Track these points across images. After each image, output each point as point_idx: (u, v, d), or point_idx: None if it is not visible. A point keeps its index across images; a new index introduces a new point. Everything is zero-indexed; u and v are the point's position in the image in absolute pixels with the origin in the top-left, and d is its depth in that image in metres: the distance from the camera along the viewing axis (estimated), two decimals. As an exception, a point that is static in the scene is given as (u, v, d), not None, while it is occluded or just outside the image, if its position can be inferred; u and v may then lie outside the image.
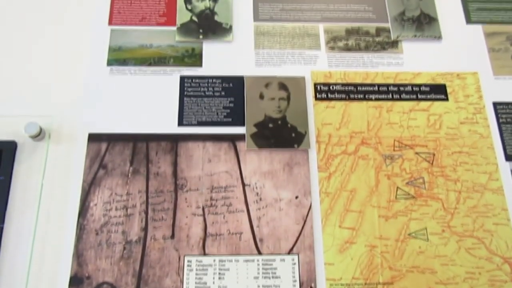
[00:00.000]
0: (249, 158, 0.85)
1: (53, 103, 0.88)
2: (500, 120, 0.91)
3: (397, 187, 0.85)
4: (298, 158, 0.86)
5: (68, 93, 0.89)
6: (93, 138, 0.85)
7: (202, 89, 0.91)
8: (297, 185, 0.84)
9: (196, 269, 0.77)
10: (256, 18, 1.00)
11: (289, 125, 0.88)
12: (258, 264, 0.78)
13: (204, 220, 0.80)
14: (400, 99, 0.92)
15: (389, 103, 0.92)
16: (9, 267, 0.75)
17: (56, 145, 0.84)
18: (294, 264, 0.78)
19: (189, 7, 0.99)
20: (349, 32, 1.00)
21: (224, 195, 0.82)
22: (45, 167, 0.82)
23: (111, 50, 0.94)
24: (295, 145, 0.86)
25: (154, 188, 0.82)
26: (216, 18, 0.98)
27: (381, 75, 0.95)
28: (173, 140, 0.86)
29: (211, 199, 0.82)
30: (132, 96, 0.90)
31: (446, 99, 0.93)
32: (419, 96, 0.93)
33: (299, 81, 0.92)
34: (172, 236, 0.79)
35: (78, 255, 0.77)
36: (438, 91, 0.93)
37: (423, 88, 0.93)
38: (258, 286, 0.77)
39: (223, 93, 0.91)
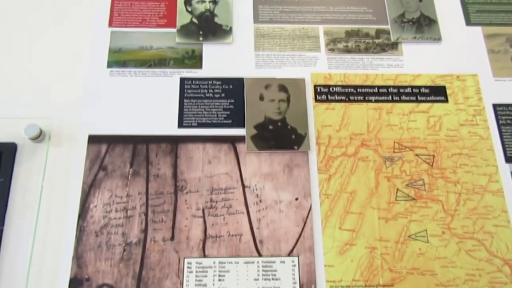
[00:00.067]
0: (249, 160, 0.85)
1: (53, 105, 0.88)
2: (500, 122, 0.91)
3: (397, 189, 0.85)
4: (298, 160, 0.86)
5: (68, 94, 0.90)
6: (93, 139, 0.85)
7: (202, 90, 0.91)
8: (297, 186, 0.84)
9: (196, 271, 0.77)
10: (256, 20, 1.00)
11: (289, 127, 0.88)
12: (258, 266, 0.78)
13: (204, 222, 0.80)
14: (400, 101, 0.92)
15: (389, 105, 0.92)
16: (9, 268, 0.75)
17: (56, 147, 0.84)
18: (294, 266, 0.78)
19: (189, 9, 0.99)
20: (349, 34, 1.00)
21: (224, 196, 0.82)
22: (45, 169, 0.82)
23: (111, 52, 0.94)
24: (295, 147, 0.86)
25: (154, 189, 0.82)
26: (216, 20, 0.98)
27: (381, 77, 0.95)
28: (173, 142, 0.86)
29: (211, 200, 0.82)
30: (132, 98, 0.90)
31: (446, 101, 0.93)
32: (419, 98, 0.93)
33: (299, 83, 0.92)
34: (172, 238, 0.79)
35: (78, 257, 0.76)
36: (438, 93, 0.93)
37: (423, 90, 0.93)
38: (258, 288, 0.77)
39: (223, 94, 0.91)
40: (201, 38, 0.96)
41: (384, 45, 0.99)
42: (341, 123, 0.90)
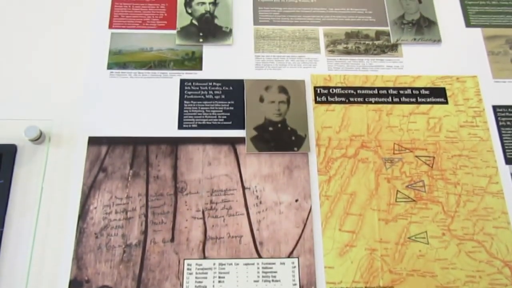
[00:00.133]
0: (249, 161, 0.85)
1: (53, 106, 0.88)
2: (500, 123, 0.91)
3: (397, 190, 0.85)
4: (298, 161, 0.86)
5: (68, 96, 0.90)
6: (93, 141, 0.85)
7: (202, 92, 0.91)
8: (297, 188, 0.84)
9: (196, 273, 0.77)
10: (256, 21, 1.00)
11: (289, 128, 0.88)
12: (258, 268, 0.78)
13: (204, 223, 0.80)
14: (400, 102, 0.92)
15: (389, 106, 0.92)
16: (9, 270, 0.75)
17: (56, 149, 0.84)
18: (294, 267, 0.78)
19: (189, 10, 0.99)
20: (349, 36, 1.00)
21: (224, 198, 0.82)
22: (45, 171, 0.82)
23: (112, 53, 0.94)
24: (295, 148, 0.86)
25: (154, 191, 0.82)
26: (216, 21, 0.99)
27: (381, 78, 0.95)
28: (173, 143, 0.86)
29: (211, 202, 0.82)
30: (132, 100, 0.90)
31: (446, 102, 0.93)
32: (419, 100, 0.93)
33: (299, 85, 0.92)
34: (172, 240, 0.79)
35: (78, 259, 0.76)
36: (437, 95, 0.93)
37: (422, 92, 0.94)
38: (258, 289, 0.77)
39: (223, 96, 0.91)
40: (201, 40, 0.97)
41: (384, 46, 0.99)
42: (341, 124, 0.90)
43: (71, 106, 0.88)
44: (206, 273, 0.77)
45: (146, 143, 0.85)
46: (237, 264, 0.78)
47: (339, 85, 0.94)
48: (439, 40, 1.00)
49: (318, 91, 0.92)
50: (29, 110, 0.87)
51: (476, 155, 0.88)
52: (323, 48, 0.98)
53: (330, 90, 0.93)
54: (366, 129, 0.89)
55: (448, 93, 0.94)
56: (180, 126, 0.88)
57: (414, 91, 0.94)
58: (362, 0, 1.04)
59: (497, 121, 0.92)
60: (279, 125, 0.88)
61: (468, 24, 1.03)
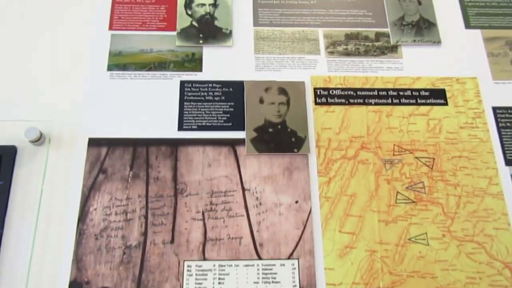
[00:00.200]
0: (249, 163, 0.85)
1: (53, 108, 0.88)
2: (500, 125, 0.91)
3: (397, 192, 0.85)
4: (298, 163, 0.86)
5: (68, 97, 0.90)
6: (93, 142, 0.85)
7: (202, 93, 0.91)
8: (297, 189, 0.84)
9: (196, 274, 0.77)
10: (256, 23, 1.00)
11: (289, 130, 0.88)
12: (258, 269, 0.78)
13: (204, 224, 0.80)
14: (400, 103, 0.92)
15: (389, 107, 0.92)
16: (8, 272, 0.75)
17: (56, 150, 0.84)
18: (294, 269, 0.78)
19: (189, 12, 1.00)
20: (349, 37, 1.00)
21: (224, 199, 0.82)
22: (45, 172, 0.82)
23: (112, 55, 0.94)
24: (295, 150, 0.86)
25: (154, 192, 0.82)
26: (216, 23, 0.99)
27: (381, 79, 0.95)
28: (173, 145, 0.86)
29: (211, 203, 0.82)
30: (132, 101, 0.90)
31: (446, 103, 0.93)
32: (419, 101, 0.93)
33: (299, 86, 0.92)
34: (172, 241, 0.79)
35: (78, 260, 0.76)
36: (437, 96, 0.93)
37: (422, 93, 0.94)
38: (258, 291, 0.77)
39: (223, 97, 0.91)
40: (201, 41, 0.97)
41: (383, 48, 0.99)
42: (341, 125, 0.90)
43: (71, 107, 0.88)
44: (206, 274, 0.77)
45: (146, 145, 0.86)
46: (237, 265, 0.78)
47: (339, 86, 0.94)
48: (439, 42, 1.00)
49: (318, 93, 0.93)
50: (29, 112, 0.87)
51: (476, 156, 0.88)
52: (323, 50, 0.98)
53: (330, 92, 0.93)
54: (366, 131, 0.89)
55: (448, 95, 0.94)
56: (180, 128, 0.88)
57: (414, 93, 0.94)
58: (362, 1, 1.05)
59: (497, 123, 0.92)
60: (279, 127, 0.88)
61: (468, 25, 1.03)
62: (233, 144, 0.86)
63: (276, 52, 0.97)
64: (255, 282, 0.77)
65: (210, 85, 0.92)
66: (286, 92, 0.91)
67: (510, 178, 0.87)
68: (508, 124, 0.92)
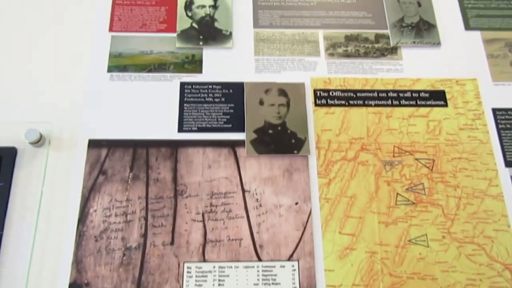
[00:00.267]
0: (249, 164, 0.85)
1: (53, 109, 0.88)
2: (500, 126, 0.92)
3: (397, 193, 0.85)
4: (298, 164, 0.86)
5: (68, 99, 0.90)
6: (93, 144, 0.85)
7: (202, 95, 0.91)
8: (297, 191, 0.84)
9: (196, 276, 0.77)
10: (256, 24, 1.01)
11: (289, 131, 0.88)
12: (258, 271, 0.78)
13: (204, 226, 0.80)
14: (400, 105, 0.92)
15: (389, 109, 0.92)
16: (8, 273, 0.75)
17: (56, 151, 0.84)
18: (294, 270, 0.78)
19: (190, 13, 1.00)
20: (349, 39, 1.00)
21: (224, 201, 0.82)
22: (45, 173, 0.82)
23: (112, 56, 0.94)
24: (295, 151, 0.86)
25: (154, 194, 0.82)
26: (216, 24, 0.99)
27: (381, 81, 0.95)
28: (173, 146, 0.86)
29: (211, 205, 0.82)
30: (132, 102, 0.90)
31: (446, 105, 0.93)
32: (419, 102, 0.93)
33: (299, 87, 0.92)
34: (172, 242, 0.79)
35: (78, 262, 0.76)
36: (437, 97, 0.94)
37: (422, 94, 0.94)
38: (258, 292, 0.77)
39: (223, 99, 0.91)
40: (201, 43, 0.97)
41: (383, 49, 0.99)
42: (341, 127, 0.90)
43: (71, 108, 0.89)
44: (206, 276, 0.77)
45: (146, 146, 0.86)
46: (237, 267, 0.78)
47: (339, 88, 0.94)
48: (438, 43, 1.00)
49: (318, 94, 0.93)
50: (29, 113, 0.87)
51: (476, 157, 0.88)
52: (323, 51, 0.98)
53: (330, 93, 0.93)
54: (366, 132, 0.90)
55: (448, 96, 0.94)
56: (180, 129, 0.88)
57: (413, 94, 0.94)
58: (362, 3, 1.05)
59: (497, 124, 0.92)
60: (279, 128, 0.88)
61: (468, 27, 1.04)
62: (233, 145, 0.86)
63: (276, 53, 0.97)
64: (255, 284, 0.77)
65: (210, 86, 0.92)
66: (286, 93, 0.91)
67: (510, 179, 0.87)
68: (508, 126, 0.92)
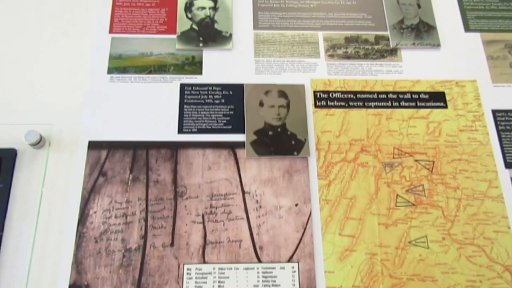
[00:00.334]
0: (248, 166, 0.85)
1: (53, 111, 0.88)
2: (500, 128, 0.92)
3: (397, 195, 0.85)
4: (298, 166, 0.86)
5: (68, 100, 0.90)
6: (93, 145, 0.85)
7: (202, 96, 0.91)
8: (297, 192, 0.84)
9: (196, 277, 0.77)
10: (256, 26, 1.01)
11: (288, 133, 0.88)
12: (258, 272, 0.78)
13: (204, 227, 0.80)
14: (400, 106, 0.93)
15: (389, 110, 0.92)
16: (8, 275, 0.75)
17: (56, 153, 0.84)
18: (294, 272, 0.78)
19: (189, 15, 1.00)
20: (348, 40, 1.00)
21: (224, 202, 0.82)
22: (45, 175, 0.82)
23: (112, 58, 0.94)
24: (295, 153, 0.86)
25: (153, 195, 0.82)
26: (216, 26, 0.99)
27: (380, 82, 0.95)
28: (173, 148, 0.86)
29: (211, 206, 0.82)
30: (132, 104, 0.90)
31: (445, 106, 0.93)
32: (418, 104, 0.93)
33: (299, 89, 0.92)
34: (172, 244, 0.79)
35: (77, 263, 0.76)
36: (437, 99, 0.94)
37: (422, 96, 0.94)
38: (258, 294, 0.77)
39: (223, 100, 0.91)
40: (201, 44, 0.97)
41: (383, 51, 0.99)
42: (341, 128, 0.90)
43: (71, 110, 0.89)
44: (206, 277, 0.77)
45: (146, 148, 0.86)
46: (237, 268, 0.78)
47: (339, 89, 0.94)
48: (438, 45, 1.00)
49: (318, 96, 0.93)
50: (29, 115, 0.87)
51: (475, 159, 0.88)
52: (323, 53, 0.98)
53: (330, 95, 0.93)
54: (365, 134, 0.90)
55: (448, 98, 0.94)
56: (180, 131, 0.88)
57: (413, 96, 0.94)
58: (362, 5, 1.05)
59: (497, 125, 0.92)
60: (279, 130, 0.88)
61: (467, 28, 1.04)
62: (233, 147, 0.87)
63: (276, 55, 0.97)
64: (255, 286, 0.77)
65: (210, 88, 0.92)
66: (286, 95, 0.91)
67: (510, 181, 0.87)
68: (508, 127, 0.92)
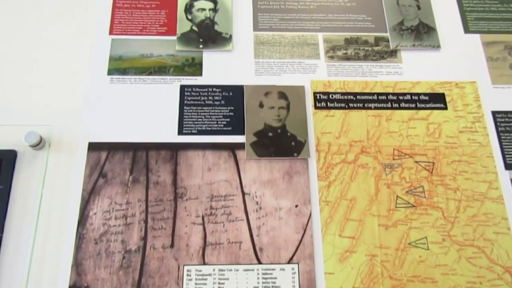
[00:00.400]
0: (248, 167, 0.85)
1: (53, 112, 0.88)
2: (499, 129, 0.92)
3: (397, 196, 0.85)
4: (298, 167, 0.86)
5: (68, 102, 0.90)
6: (93, 147, 0.85)
7: (202, 98, 0.91)
8: (297, 194, 0.84)
9: (196, 279, 0.77)
10: (256, 27, 1.01)
11: (288, 134, 0.88)
12: (258, 274, 0.77)
13: (204, 229, 0.80)
14: (399, 108, 0.93)
15: (389, 112, 0.92)
16: (8, 276, 0.75)
17: (56, 154, 0.84)
18: (294, 273, 0.78)
19: (190, 17, 1.00)
20: (348, 42, 1.00)
21: (224, 204, 0.82)
22: (45, 176, 0.82)
23: (112, 59, 0.95)
24: (295, 154, 0.86)
25: (153, 197, 0.82)
26: (216, 27, 0.99)
27: (380, 84, 0.95)
28: (173, 149, 0.86)
29: (211, 208, 0.82)
30: (132, 105, 0.90)
31: (445, 108, 0.93)
32: (418, 105, 0.93)
33: (299, 90, 0.92)
34: (172, 245, 0.79)
35: (77, 265, 0.76)
36: (437, 100, 0.94)
37: (422, 97, 0.94)
38: (258, 295, 0.76)
39: (223, 102, 0.91)
40: (201, 46, 0.97)
41: (383, 52, 0.99)
42: (341, 130, 0.90)
43: (71, 111, 0.89)
44: (206, 279, 0.77)
45: (146, 149, 0.86)
46: (237, 270, 0.78)
47: (339, 90, 0.94)
48: (438, 46, 1.00)
49: (318, 97, 0.93)
50: (29, 116, 0.87)
51: (475, 160, 0.88)
52: (323, 54, 0.98)
53: (330, 96, 0.93)
54: (365, 135, 0.90)
55: (448, 99, 0.94)
56: (180, 132, 0.88)
57: (413, 97, 0.94)
58: (362, 6, 1.05)
59: (497, 127, 0.92)
60: (279, 131, 0.88)
61: (467, 30, 1.04)
62: (233, 148, 0.87)
63: (276, 56, 0.97)
64: (255, 287, 0.77)
65: (210, 89, 0.92)
66: (286, 96, 0.91)
67: (510, 182, 0.87)
68: (508, 128, 0.92)
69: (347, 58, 0.98)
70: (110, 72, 0.93)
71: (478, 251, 0.81)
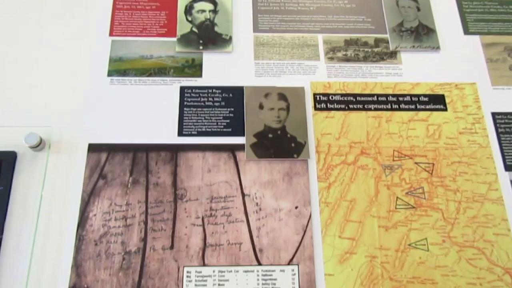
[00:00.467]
0: (248, 168, 0.85)
1: (53, 114, 0.88)
2: (499, 130, 0.92)
3: (397, 197, 0.85)
4: (298, 168, 0.86)
5: (68, 103, 0.90)
6: (93, 148, 0.85)
7: (202, 99, 0.91)
8: (296, 195, 0.84)
9: (196, 280, 0.77)
10: (256, 29, 1.01)
11: (288, 135, 0.88)
12: (258, 275, 0.77)
13: (204, 230, 0.80)
14: (399, 109, 0.93)
15: (388, 113, 0.92)
16: (7, 277, 0.75)
17: (56, 155, 0.84)
18: (294, 274, 0.78)
19: (190, 18, 1.00)
20: (348, 43, 1.00)
21: (224, 205, 0.82)
22: (45, 177, 0.82)
23: (112, 60, 0.95)
24: (295, 155, 0.86)
25: (153, 198, 0.82)
26: (216, 29, 0.99)
27: (380, 85, 0.95)
28: (173, 150, 0.86)
29: (211, 209, 0.82)
30: (132, 107, 0.90)
31: (445, 109, 0.93)
32: (418, 106, 0.93)
33: (299, 92, 0.92)
34: (172, 247, 0.79)
35: (77, 266, 0.76)
36: (437, 101, 0.94)
37: (422, 99, 0.94)
38: (258, 297, 0.76)
39: (223, 103, 0.91)
40: (201, 47, 0.97)
41: (383, 53, 1.00)
42: (341, 131, 0.90)
43: (71, 113, 0.89)
44: (206, 280, 0.77)
45: (146, 150, 0.86)
46: (237, 271, 0.78)
47: (339, 92, 0.94)
48: (438, 47, 1.00)
49: (318, 98, 0.93)
50: (29, 117, 0.87)
51: (475, 161, 0.88)
52: (323, 55, 0.99)
53: (330, 97, 0.93)
54: (365, 136, 0.90)
55: (447, 100, 0.94)
56: (180, 133, 0.88)
57: (413, 98, 0.94)
58: (361, 7, 1.05)
59: (496, 128, 0.92)
60: (279, 132, 0.88)
61: (467, 31, 1.04)
62: (233, 149, 0.87)
63: (276, 58, 0.98)
64: (255, 288, 0.77)
65: (210, 90, 0.92)
66: (286, 97, 0.91)
67: (509, 183, 0.87)
68: (508, 130, 0.92)
69: (347, 59, 0.98)
70: (110, 73, 0.93)
71: (478, 253, 0.81)
